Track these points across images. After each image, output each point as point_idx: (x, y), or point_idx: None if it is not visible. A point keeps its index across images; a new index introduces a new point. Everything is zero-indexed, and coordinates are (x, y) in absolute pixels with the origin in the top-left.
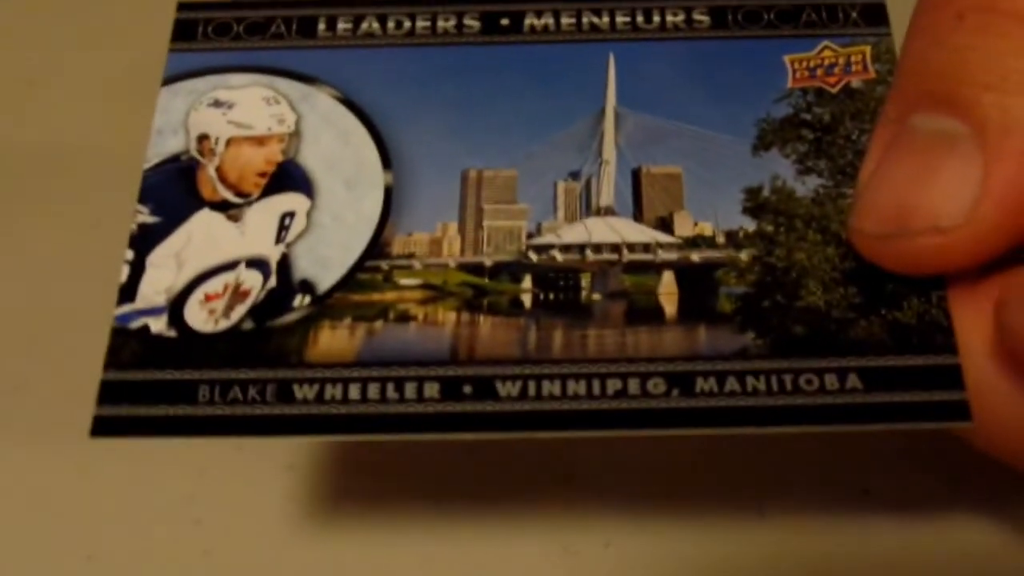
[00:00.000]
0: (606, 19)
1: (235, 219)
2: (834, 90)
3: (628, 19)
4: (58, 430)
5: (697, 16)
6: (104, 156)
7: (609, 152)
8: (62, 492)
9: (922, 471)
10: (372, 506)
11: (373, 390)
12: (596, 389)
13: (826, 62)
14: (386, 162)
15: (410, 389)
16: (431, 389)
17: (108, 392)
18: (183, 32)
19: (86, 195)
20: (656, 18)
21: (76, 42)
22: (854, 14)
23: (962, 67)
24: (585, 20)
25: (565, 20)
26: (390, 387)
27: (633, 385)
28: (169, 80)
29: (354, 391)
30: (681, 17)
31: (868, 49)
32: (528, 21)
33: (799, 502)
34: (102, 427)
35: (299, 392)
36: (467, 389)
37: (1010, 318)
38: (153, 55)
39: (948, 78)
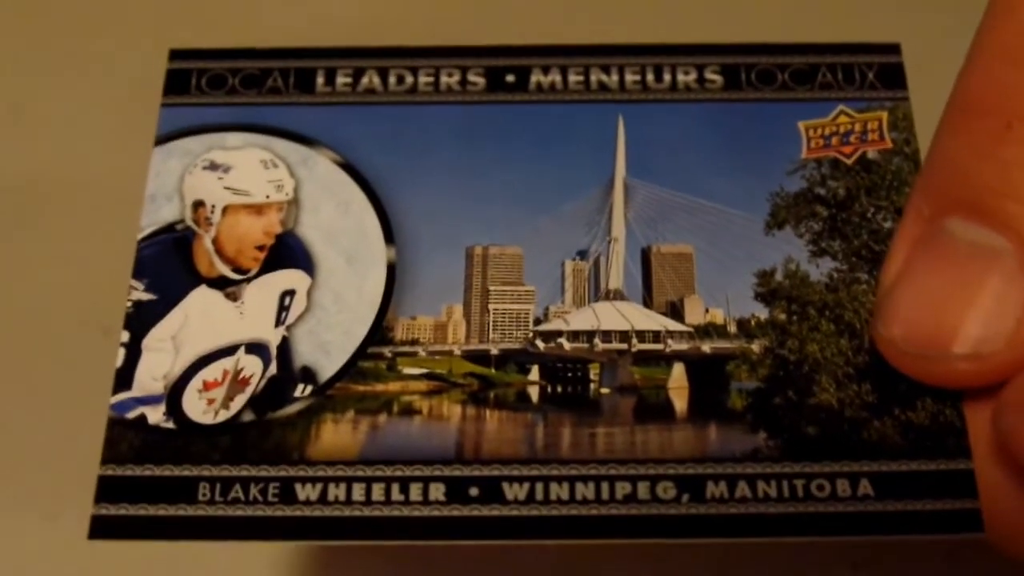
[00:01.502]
0: (615, 77)
1: (233, 298)
2: (849, 161)
3: (638, 78)
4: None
5: (709, 75)
6: (93, 184)
7: (618, 229)
8: (30, 543)
9: (915, 546)
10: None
11: (377, 491)
12: (605, 493)
13: (841, 129)
14: (388, 235)
15: (415, 490)
16: (436, 491)
17: (106, 489)
18: (176, 84)
19: (73, 226)
20: (667, 77)
21: (62, 67)
22: (871, 75)
23: (1009, 182)
24: (593, 78)
25: (573, 78)
26: (395, 488)
27: (643, 489)
28: (162, 139)
29: (358, 491)
30: (693, 76)
31: (885, 115)
32: (535, 78)
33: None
34: (100, 529)
35: (301, 492)
36: (473, 491)
37: (1005, 422)
38: (142, 82)
39: (993, 191)
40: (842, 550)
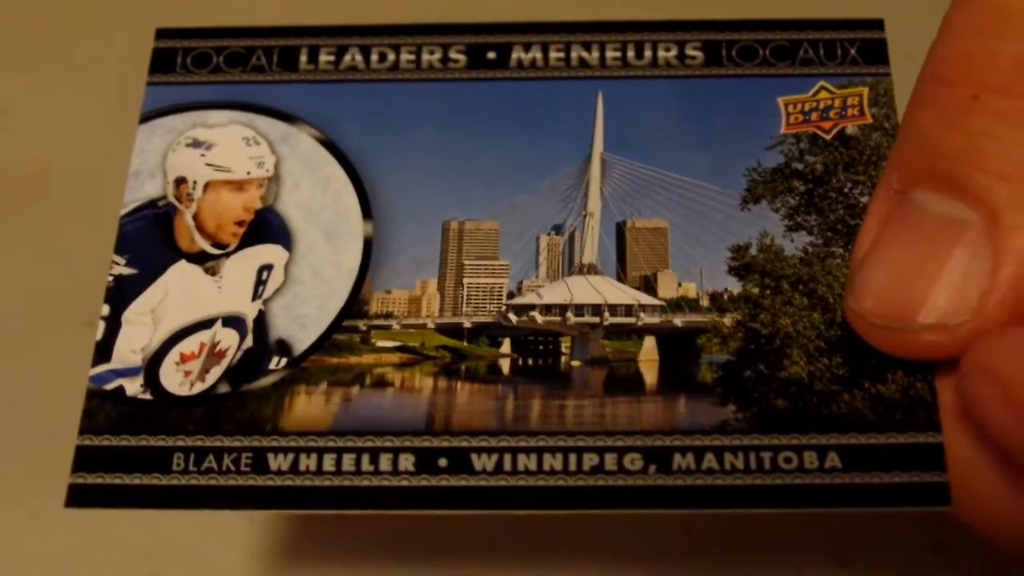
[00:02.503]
0: (596, 54)
1: (212, 272)
2: (828, 136)
3: (619, 54)
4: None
5: (690, 51)
6: (79, 183)
7: (594, 204)
8: (13, 541)
9: (899, 540)
10: (334, 558)
11: (348, 461)
12: (572, 464)
13: (821, 105)
14: (366, 211)
15: (385, 461)
16: (406, 461)
17: (83, 458)
18: (161, 63)
19: (58, 222)
20: (648, 53)
21: (49, 66)
22: (853, 51)
23: (976, 153)
24: (574, 55)
25: (553, 54)
26: (365, 458)
27: (610, 460)
28: (147, 117)
29: (328, 462)
30: (674, 52)
31: (865, 91)
32: (515, 55)
33: (773, 570)
34: (77, 497)
35: (274, 462)
36: (442, 462)
37: (967, 387)
38: (130, 80)
39: (960, 162)
40: (828, 545)
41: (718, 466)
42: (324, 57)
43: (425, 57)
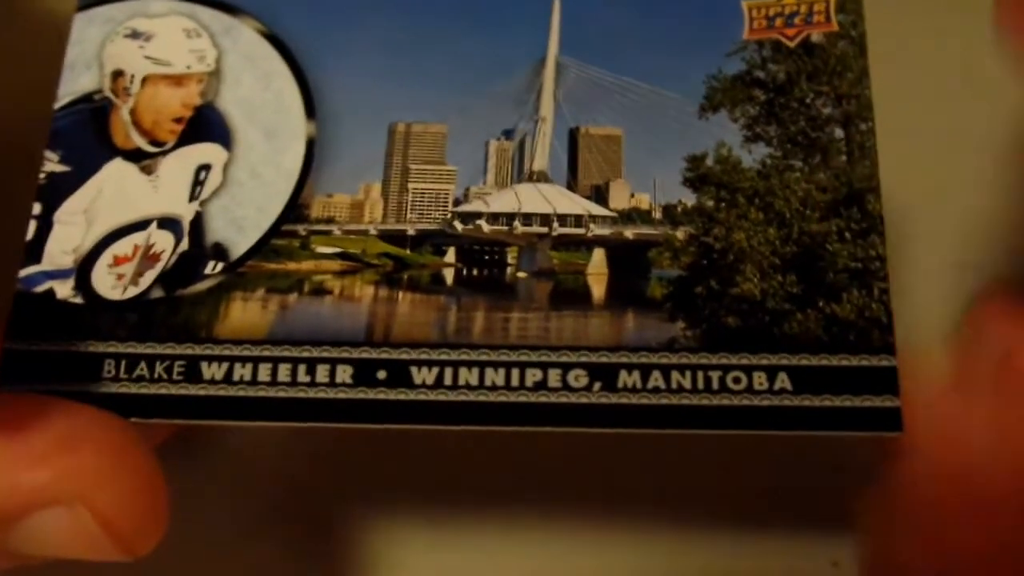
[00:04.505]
0: None
1: (148, 171)
2: (792, 44)
3: None
4: None
5: None
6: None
7: (547, 108)
8: None
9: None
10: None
11: (284, 371)
12: (515, 380)
13: (787, 10)
14: (310, 110)
15: (322, 372)
16: (344, 373)
17: (10, 364)
18: None
19: None
20: None
21: None
22: None
23: None
24: None
25: None
26: (301, 369)
27: (554, 377)
28: (85, 5)
29: (264, 372)
30: None
31: None
32: None
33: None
34: None
35: (207, 371)
36: (381, 375)
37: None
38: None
39: None
40: (822, 546)
41: (664, 385)
42: None
43: None
